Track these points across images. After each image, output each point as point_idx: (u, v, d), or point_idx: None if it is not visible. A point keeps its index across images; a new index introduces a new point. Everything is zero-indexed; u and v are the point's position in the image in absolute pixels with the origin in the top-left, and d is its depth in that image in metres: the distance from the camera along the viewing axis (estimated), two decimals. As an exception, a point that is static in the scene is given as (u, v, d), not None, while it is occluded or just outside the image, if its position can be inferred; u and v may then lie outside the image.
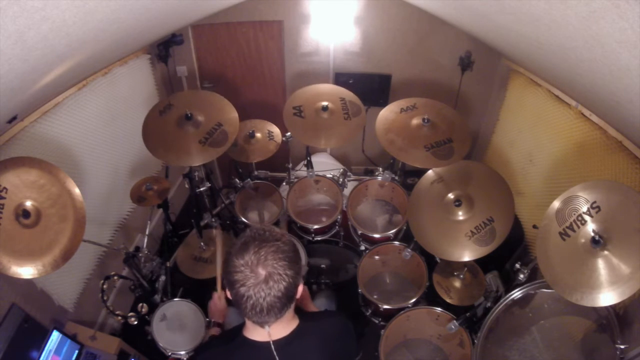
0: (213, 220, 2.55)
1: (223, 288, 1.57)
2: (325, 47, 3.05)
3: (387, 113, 2.06)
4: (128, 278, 2.13)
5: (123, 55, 2.43)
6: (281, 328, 0.99)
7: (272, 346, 0.95)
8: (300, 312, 1.07)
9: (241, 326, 1.04)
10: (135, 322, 1.90)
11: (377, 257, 2.24)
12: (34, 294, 1.80)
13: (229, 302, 1.48)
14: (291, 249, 0.93)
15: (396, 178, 2.31)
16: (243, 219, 2.38)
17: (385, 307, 2.01)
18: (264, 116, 2.50)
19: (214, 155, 1.94)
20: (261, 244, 0.89)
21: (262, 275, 0.86)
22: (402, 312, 1.96)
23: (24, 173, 1.38)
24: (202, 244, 2.41)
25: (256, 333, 0.99)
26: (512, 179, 2.45)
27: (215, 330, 1.50)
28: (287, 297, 0.90)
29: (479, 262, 1.94)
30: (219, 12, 2.85)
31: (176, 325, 1.89)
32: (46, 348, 1.72)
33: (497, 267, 2.27)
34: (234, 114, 2.05)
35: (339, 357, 1.10)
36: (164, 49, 2.91)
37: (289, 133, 2.17)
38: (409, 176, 2.43)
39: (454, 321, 1.80)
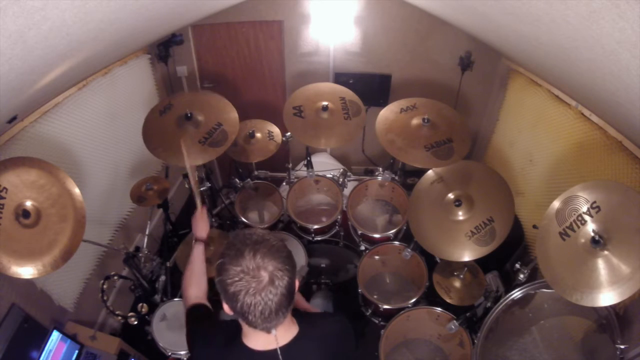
0: (213, 220, 2.55)
1: (203, 203, 1.56)
2: (325, 47, 3.05)
3: (387, 113, 2.06)
4: (128, 278, 2.13)
5: (123, 55, 2.43)
6: (284, 333, 0.97)
7: (280, 353, 0.93)
8: (297, 314, 1.05)
9: (238, 327, 1.00)
10: (135, 322, 1.90)
11: (377, 257, 2.24)
12: (34, 294, 1.80)
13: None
14: (282, 244, 0.91)
15: (396, 178, 2.31)
16: (243, 219, 2.38)
17: (385, 307, 2.01)
18: (264, 116, 2.50)
19: (214, 155, 1.94)
20: (255, 246, 0.86)
21: (265, 278, 0.84)
22: (402, 312, 1.96)
23: (24, 173, 1.38)
24: (202, 244, 2.41)
25: (257, 341, 0.96)
26: (512, 179, 2.45)
27: (199, 247, 1.46)
28: (291, 292, 0.89)
29: (479, 262, 1.94)
30: (219, 12, 2.85)
31: (176, 325, 1.89)
32: (46, 348, 1.72)
33: (497, 267, 2.27)
34: (233, 114, 2.05)
35: (340, 358, 1.10)
36: (164, 49, 2.91)
37: (289, 133, 2.17)
38: (409, 176, 2.43)
39: (454, 321, 1.80)
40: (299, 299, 1.47)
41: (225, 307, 0.90)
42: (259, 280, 0.84)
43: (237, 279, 0.84)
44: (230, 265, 0.85)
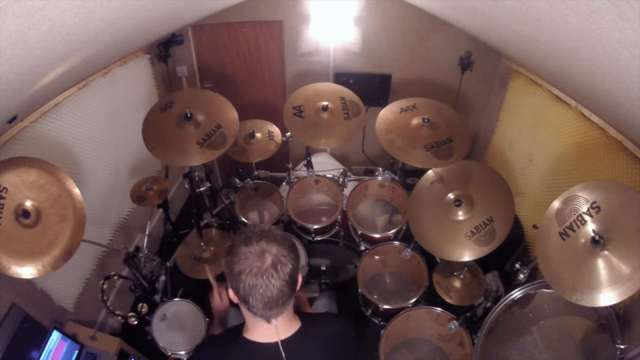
0: (213, 220, 2.55)
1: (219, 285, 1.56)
2: (325, 47, 3.05)
3: (387, 113, 2.06)
4: (128, 278, 2.13)
5: (123, 55, 2.43)
6: (285, 326, 0.98)
7: (280, 345, 0.94)
8: (300, 313, 1.07)
9: (240, 327, 1.03)
10: (135, 322, 1.90)
11: (377, 257, 2.24)
12: (34, 294, 1.80)
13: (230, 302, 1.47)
14: (288, 236, 0.97)
15: (396, 178, 2.31)
16: (243, 219, 2.38)
17: (385, 307, 2.01)
18: (264, 116, 2.50)
19: (211, 157, 1.93)
20: (261, 234, 0.92)
21: (268, 260, 0.88)
22: (402, 312, 1.96)
23: (24, 173, 1.38)
24: (202, 244, 2.41)
25: (259, 333, 0.98)
26: (512, 179, 2.45)
27: (218, 331, 1.48)
28: (293, 282, 0.93)
29: (479, 262, 1.94)
30: (219, 12, 2.85)
31: (176, 325, 1.89)
32: (46, 348, 1.72)
33: (497, 267, 2.27)
34: (233, 114, 2.04)
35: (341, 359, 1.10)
36: (164, 49, 2.91)
37: (289, 133, 2.17)
38: (409, 176, 2.43)
39: (454, 321, 1.80)
40: (304, 303, 1.48)
41: (230, 292, 0.94)
42: (263, 261, 0.88)
43: (243, 257, 0.89)
44: (239, 246, 0.91)
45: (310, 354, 1.02)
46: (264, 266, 0.87)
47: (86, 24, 1.23)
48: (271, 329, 0.94)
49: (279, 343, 0.95)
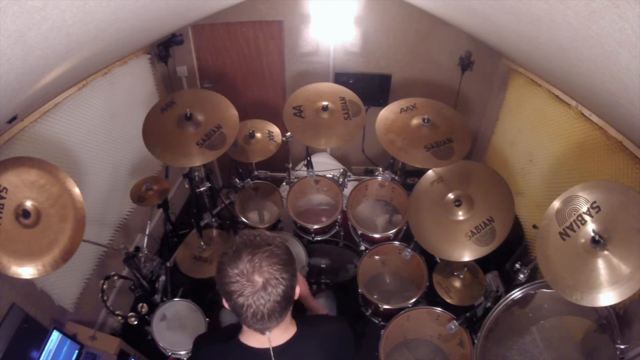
0: (213, 220, 2.55)
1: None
2: (325, 47, 3.05)
3: (387, 113, 2.06)
4: (128, 278, 2.13)
5: (123, 55, 2.43)
6: (280, 334, 0.98)
7: (272, 353, 0.94)
8: (297, 316, 1.06)
9: (238, 327, 1.02)
10: (135, 322, 1.90)
11: (377, 257, 2.24)
12: (34, 294, 1.80)
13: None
14: (284, 251, 0.91)
15: (396, 178, 2.31)
16: (243, 219, 2.38)
17: (385, 307, 2.01)
18: (264, 116, 2.50)
19: (210, 157, 1.93)
20: (254, 250, 0.86)
21: (259, 283, 0.85)
22: (402, 312, 1.96)
23: (24, 173, 1.38)
24: (202, 243, 2.41)
25: (254, 339, 0.98)
26: (512, 179, 2.45)
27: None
28: (286, 300, 0.89)
29: (479, 262, 1.94)
30: (219, 12, 2.85)
31: (176, 325, 1.89)
32: (46, 348, 1.72)
33: (497, 267, 2.27)
34: (233, 113, 2.05)
35: None
36: (164, 48, 2.91)
37: (289, 133, 2.17)
38: (409, 176, 2.43)
39: (454, 321, 1.80)
40: (307, 296, 1.47)
41: (224, 301, 0.92)
42: (253, 284, 0.85)
43: (233, 280, 0.85)
44: (228, 267, 0.86)
45: (306, 357, 1.01)
46: (254, 289, 0.84)
47: (86, 24, 1.23)
48: (265, 337, 0.93)
49: (270, 350, 0.94)
